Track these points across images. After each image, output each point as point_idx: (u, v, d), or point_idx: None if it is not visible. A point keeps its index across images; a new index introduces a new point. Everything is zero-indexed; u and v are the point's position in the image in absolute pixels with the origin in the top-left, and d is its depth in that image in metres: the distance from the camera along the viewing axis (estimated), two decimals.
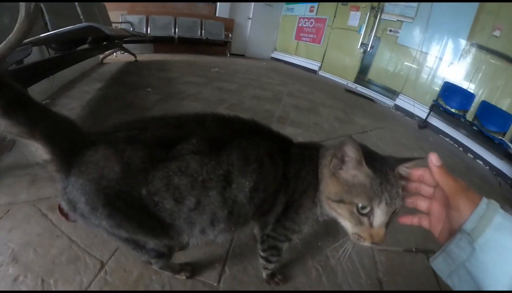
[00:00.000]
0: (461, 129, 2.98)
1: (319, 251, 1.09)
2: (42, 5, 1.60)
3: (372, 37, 4.28)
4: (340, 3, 4.81)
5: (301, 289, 0.92)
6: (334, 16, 4.93)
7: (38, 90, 1.76)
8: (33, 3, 0.93)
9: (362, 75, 4.70)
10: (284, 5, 6.00)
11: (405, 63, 3.92)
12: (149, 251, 0.62)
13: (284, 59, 6.24)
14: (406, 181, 0.50)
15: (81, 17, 2.05)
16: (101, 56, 3.46)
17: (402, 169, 0.50)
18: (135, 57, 3.88)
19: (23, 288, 0.77)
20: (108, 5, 3.28)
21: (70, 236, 0.95)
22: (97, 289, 0.79)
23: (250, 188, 0.53)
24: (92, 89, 2.24)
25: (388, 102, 4.19)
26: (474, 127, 2.81)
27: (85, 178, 0.45)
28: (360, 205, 0.51)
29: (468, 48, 3.19)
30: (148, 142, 0.48)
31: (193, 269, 0.87)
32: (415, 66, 3.78)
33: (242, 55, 6.39)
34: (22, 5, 0.91)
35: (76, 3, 2.06)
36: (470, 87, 3.16)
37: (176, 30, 4.98)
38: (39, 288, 0.77)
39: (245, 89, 3.25)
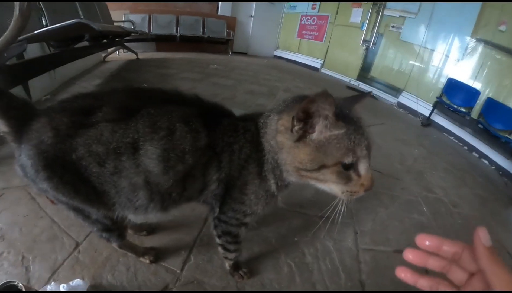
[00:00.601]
0: (466, 127, 2.88)
1: (294, 247, 1.03)
2: (42, 5, 1.70)
3: (375, 34, 4.21)
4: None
5: (268, 286, 0.87)
6: (336, 13, 4.89)
7: (39, 86, 1.87)
8: (26, 4, 0.99)
9: (364, 73, 4.63)
10: (286, 2, 5.98)
11: (408, 60, 3.83)
12: (94, 222, 0.66)
13: (287, 57, 6.23)
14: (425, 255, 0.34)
15: (82, 16, 2.14)
16: (103, 54, 3.59)
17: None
18: (137, 55, 3.99)
19: (5, 264, 0.83)
20: (110, 4, 3.40)
21: (53, 217, 1.01)
22: (69, 266, 0.84)
23: (159, 155, 0.51)
24: (91, 86, 2.34)
25: (391, 99, 4.11)
26: (479, 125, 2.72)
27: (30, 144, 0.50)
28: (346, 162, 0.49)
29: (473, 44, 3.09)
30: (73, 111, 0.52)
31: (157, 254, 0.89)
32: (419, 63, 3.69)
33: (245, 54, 6.42)
34: (17, 4, 0.98)
35: (77, 3, 2.16)
36: (475, 84, 3.07)
37: (178, 28, 5.06)
38: (19, 264, 0.84)
39: (241, 84, 3.29)
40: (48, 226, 0.98)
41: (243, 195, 0.61)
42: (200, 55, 5.14)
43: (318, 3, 5.19)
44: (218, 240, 0.76)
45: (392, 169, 1.75)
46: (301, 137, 0.50)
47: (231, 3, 5.71)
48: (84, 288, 0.75)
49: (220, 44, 5.75)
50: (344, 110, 0.52)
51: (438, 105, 3.16)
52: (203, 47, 5.50)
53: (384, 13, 4.07)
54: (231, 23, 5.74)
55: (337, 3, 4.86)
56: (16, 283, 0.60)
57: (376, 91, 4.31)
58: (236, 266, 0.85)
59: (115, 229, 0.71)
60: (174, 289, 0.82)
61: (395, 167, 1.81)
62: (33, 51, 1.67)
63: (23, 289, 0.59)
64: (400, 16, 3.89)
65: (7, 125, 0.52)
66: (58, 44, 1.68)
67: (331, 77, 5.07)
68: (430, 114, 3.28)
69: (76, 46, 1.90)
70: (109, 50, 3.72)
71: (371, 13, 4.24)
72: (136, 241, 0.93)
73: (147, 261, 0.86)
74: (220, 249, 0.79)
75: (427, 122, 3.31)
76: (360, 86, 4.56)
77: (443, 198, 1.57)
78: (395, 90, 4.07)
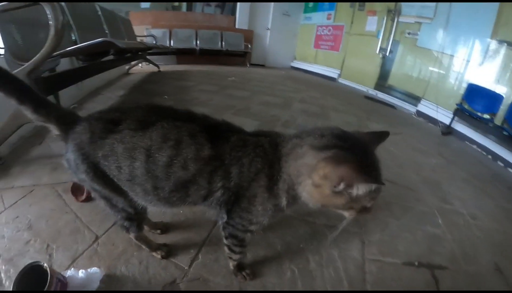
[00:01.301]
0: (489, 134, 2.73)
1: (299, 253, 1.04)
2: (72, 23, 1.90)
3: (391, 41, 4.18)
4: (357, 9, 4.78)
5: (270, 289, 0.89)
6: (351, 22, 4.92)
7: (68, 96, 2.06)
8: (61, 24, 1.14)
9: (382, 81, 4.57)
10: (302, 14, 6.11)
11: (426, 66, 3.74)
12: (120, 210, 0.74)
13: (304, 68, 6.30)
14: None
15: (107, 32, 2.35)
16: (127, 67, 3.86)
17: None
18: (158, 68, 4.24)
19: (31, 250, 0.92)
20: (133, 20, 3.67)
21: (76, 213, 1.10)
22: (88, 256, 0.91)
23: (165, 162, 0.58)
24: (115, 96, 2.52)
25: (410, 108, 3.99)
26: (504, 132, 2.57)
27: (73, 143, 0.63)
28: (368, 206, 0.59)
29: (494, 45, 2.95)
30: (106, 120, 0.62)
31: (169, 251, 0.94)
32: (437, 69, 3.58)
33: (262, 65, 6.58)
34: (52, 25, 1.13)
35: (103, 20, 2.38)
36: (498, 88, 2.92)
37: (197, 42, 5.32)
38: (43, 251, 0.92)
39: (256, 96, 3.37)
40: (72, 220, 1.07)
41: (251, 205, 0.65)
42: (218, 68, 5.34)
43: (333, 14, 5.25)
44: (225, 241, 0.79)
45: (407, 179, 1.69)
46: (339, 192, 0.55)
47: (248, 17, 5.92)
48: (100, 276, 0.81)
49: (238, 57, 5.95)
50: (374, 159, 0.58)
51: (459, 112, 3.02)
52: (222, 60, 5.72)
53: (399, 19, 4.03)
54: (248, 36, 5.95)
55: (352, 12, 4.88)
56: (42, 264, 0.67)
57: (394, 101, 4.22)
58: (239, 267, 0.88)
59: (135, 219, 0.79)
60: (180, 283, 0.85)
61: (410, 177, 1.74)
62: (63, 64, 1.86)
63: (48, 270, 0.66)
64: (415, 22, 3.83)
65: (58, 129, 0.67)
66: (86, 58, 1.86)
67: (348, 87, 5.04)
68: (451, 122, 3.15)
69: (102, 60, 2.08)
70: (132, 63, 3.98)
71: (386, 20, 4.23)
72: (151, 237, 0.99)
73: (159, 256, 0.91)
74: (226, 249, 0.83)
75: (448, 130, 3.16)
76: (378, 95, 4.50)
77: (461, 209, 1.49)
78: (414, 99, 3.96)
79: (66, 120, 0.66)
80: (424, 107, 3.70)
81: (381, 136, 0.65)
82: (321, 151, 0.55)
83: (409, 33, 3.95)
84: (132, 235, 0.87)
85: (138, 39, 3.91)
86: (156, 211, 1.03)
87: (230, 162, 0.61)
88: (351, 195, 0.54)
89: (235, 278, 0.89)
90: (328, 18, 5.38)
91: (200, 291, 0.82)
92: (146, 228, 1.00)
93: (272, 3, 5.97)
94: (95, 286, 0.79)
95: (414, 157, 2.08)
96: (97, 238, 0.99)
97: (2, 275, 0.82)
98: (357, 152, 0.54)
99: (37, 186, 1.26)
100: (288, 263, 0.98)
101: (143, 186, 0.62)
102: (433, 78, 3.65)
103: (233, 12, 5.98)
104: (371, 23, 4.52)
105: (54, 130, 0.68)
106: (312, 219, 1.22)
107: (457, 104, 3.10)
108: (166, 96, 2.76)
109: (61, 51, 1.29)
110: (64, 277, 0.73)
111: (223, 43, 5.61)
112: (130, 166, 0.60)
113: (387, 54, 4.27)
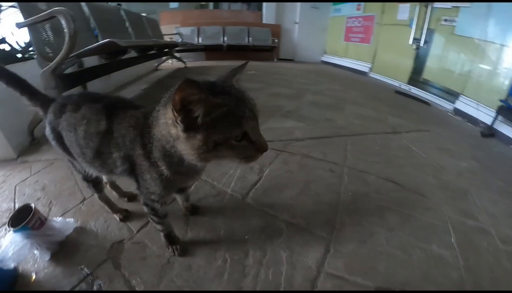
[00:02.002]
0: None
1: (241, 244, 0.98)
2: (96, 26, 2.26)
3: (425, 31, 3.77)
4: None
5: (194, 271, 0.88)
6: (382, 12, 4.57)
7: (96, 88, 2.44)
8: (73, 30, 1.42)
9: (416, 75, 4.17)
10: (331, 6, 5.87)
11: (466, 57, 3.29)
12: (78, 171, 0.96)
13: (334, 62, 6.08)
14: None
15: (131, 32, 2.70)
16: (155, 63, 4.29)
17: None
18: (185, 64, 4.59)
19: (39, 204, 1.22)
20: (163, 19, 4.05)
21: (77, 180, 1.38)
22: (73, 211, 1.17)
23: (82, 135, 0.74)
24: (138, 89, 2.89)
25: (447, 105, 3.56)
26: None
27: (48, 119, 0.83)
28: (236, 136, 0.54)
29: None
30: (61, 104, 0.82)
31: (126, 215, 1.12)
32: (479, 60, 3.11)
33: (291, 60, 6.53)
34: (66, 32, 1.42)
35: (127, 22, 2.75)
36: None
37: (225, 38, 5.55)
38: (47, 205, 1.22)
39: (269, 87, 3.38)
40: (72, 186, 1.36)
41: (142, 174, 0.72)
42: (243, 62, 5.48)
43: (363, 4, 4.95)
44: (144, 207, 0.86)
45: (419, 183, 1.40)
46: (188, 126, 0.53)
47: (275, 12, 5.93)
48: (74, 226, 1.06)
49: (265, 52, 6.02)
50: (225, 85, 0.57)
51: (503, 110, 2.56)
52: (249, 55, 5.83)
53: (434, 5, 3.61)
54: (275, 30, 5.98)
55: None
56: (31, 204, 0.94)
57: (429, 97, 3.83)
58: (170, 241, 0.94)
59: (91, 181, 0.99)
60: (125, 243, 1.02)
61: (424, 180, 1.44)
62: (92, 62, 2.24)
63: (33, 208, 0.92)
64: (452, 6, 3.37)
65: (42, 110, 0.87)
66: (108, 56, 2.21)
67: (379, 81, 4.73)
68: (493, 122, 2.73)
69: (123, 57, 2.42)
70: (163, 58, 4.40)
71: (419, 7, 3.82)
72: (120, 204, 1.18)
73: (118, 218, 1.11)
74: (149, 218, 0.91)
75: (489, 132, 2.66)
76: (411, 91, 4.15)
77: (488, 228, 1.13)
78: (452, 95, 3.51)
79: (46, 104, 0.87)
80: (463, 104, 3.28)
81: (239, 68, 0.64)
82: (166, 104, 0.59)
83: (445, 20, 3.51)
84: (96, 195, 1.09)
85: (167, 37, 4.31)
86: (126, 183, 1.26)
87: (116, 134, 0.70)
88: (200, 123, 0.52)
89: (166, 250, 0.95)
90: (358, 9, 5.10)
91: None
92: (115, 194, 1.22)
93: None
94: (68, 232, 1.03)
95: (438, 157, 1.75)
96: (84, 199, 1.25)
97: None
98: (205, 84, 0.56)
99: (57, 159, 1.60)
100: (224, 250, 0.95)
101: (76, 151, 0.80)
102: (474, 71, 3.18)
103: (259, 7, 6.05)
104: (403, 11, 4.15)
105: (40, 112, 0.89)
106: (273, 211, 1.14)
107: (501, 101, 2.64)
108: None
109: (76, 52, 1.60)
110: (45, 218, 0.98)
111: (250, 38, 5.74)
112: (68, 136, 0.79)
113: (422, 45, 3.89)
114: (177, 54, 4.52)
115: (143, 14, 3.75)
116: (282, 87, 3.43)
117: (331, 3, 5.94)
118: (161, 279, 0.86)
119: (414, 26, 3.96)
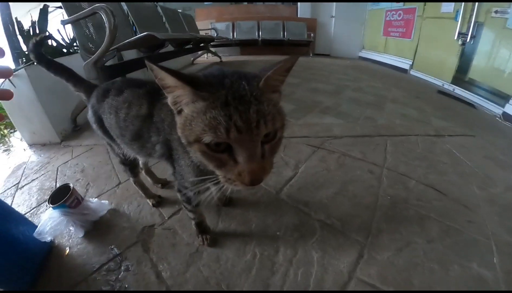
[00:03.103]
0: None
1: (272, 240, 0.96)
2: (134, 22, 2.39)
3: (472, 24, 3.38)
4: None
5: (222, 262, 0.88)
6: (425, 4, 4.18)
7: None
8: (113, 24, 1.52)
9: (461, 74, 3.80)
10: None
11: None
12: (117, 155, 1.01)
13: (372, 58, 5.73)
14: None
15: (167, 27, 2.81)
16: (192, 58, 4.42)
17: None
18: (220, 58, 4.67)
19: (78, 185, 1.33)
20: (199, 16, 4.15)
21: (114, 165, 1.49)
22: (108, 194, 1.27)
23: (123, 118, 0.76)
24: None
25: (495, 109, 3.20)
26: None
27: (91, 103, 0.89)
28: (205, 141, 0.43)
29: None
30: (104, 89, 0.86)
31: (160, 201, 1.16)
32: None
33: (327, 55, 6.31)
34: (107, 27, 1.52)
35: (164, 18, 2.85)
36: None
37: (260, 33, 5.52)
38: (84, 186, 1.32)
39: (306, 83, 3.28)
40: (109, 170, 1.46)
41: (177, 159, 0.71)
42: (279, 58, 5.38)
43: None
44: (178, 195, 0.86)
45: (464, 193, 1.27)
46: (180, 110, 0.48)
47: (310, 5, 5.76)
48: (108, 208, 1.14)
49: (301, 47, 5.87)
50: (228, 79, 0.45)
51: None
52: (284, 50, 5.75)
53: None
54: (311, 24, 5.81)
55: None
56: (69, 184, 1.03)
57: (475, 98, 3.47)
58: (201, 230, 0.96)
59: (127, 164, 1.04)
60: (156, 228, 1.06)
61: (470, 190, 1.30)
62: (131, 55, 2.37)
63: (71, 188, 1.01)
64: None
65: (85, 95, 0.95)
66: (146, 50, 2.32)
67: (420, 79, 4.37)
68: None
69: (160, 51, 2.53)
70: (199, 53, 4.52)
71: None
72: (153, 190, 1.24)
73: (150, 204, 1.16)
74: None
75: None
76: (455, 91, 3.80)
77: None
78: (501, 97, 3.15)
79: (89, 90, 0.93)
80: None
81: (280, 63, 0.48)
82: None
83: (496, 12, 3.11)
84: (131, 179, 1.15)
85: (203, 32, 4.41)
86: (161, 170, 1.32)
87: (156, 118, 0.71)
88: (184, 111, 0.47)
89: (197, 239, 0.97)
90: (398, 1, 4.74)
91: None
92: (150, 180, 1.28)
93: None
94: (102, 213, 1.11)
95: (485, 167, 1.58)
96: (119, 183, 1.34)
97: None
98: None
99: (96, 145, 1.73)
100: (254, 245, 0.94)
101: (115, 132, 0.84)
102: None
103: (294, 1, 5.91)
104: (448, 3, 3.75)
105: (83, 97, 0.96)
106: (307, 210, 1.11)
107: None
108: None
109: (115, 46, 1.71)
110: (82, 198, 1.06)
111: (285, 33, 5.63)
112: (109, 118, 0.83)
113: (468, 40, 3.51)
114: (212, 49, 4.60)
115: (179, 11, 3.88)
116: (320, 83, 3.32)
117: None
118: (188, 267, 0.88)
119: (460, 19, 3.57)
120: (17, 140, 2.06)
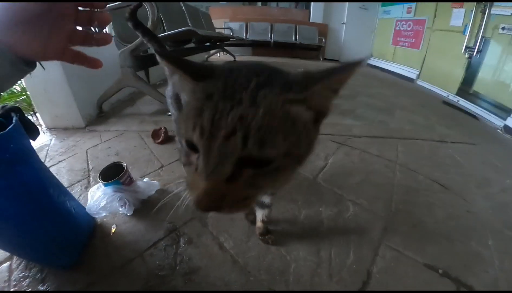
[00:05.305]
0: None
1: (317, 214, 1.10)
2: (161, 16, 2.49)
3: (480, 39, 3.53)
4: None
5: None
6: (434, 16, 4.33)
7: (155, 74, 2.75)
8: (156, 16, 1.63)
9: (466, 87, 3.95)
10: (380, 7, 5.68)
11: None
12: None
13: (380, 66, 5.88)
14: None
15: (189, 23, 2.92)
16: (206, 55, 4.52)
17: None
18: (234, 57, 4.77)
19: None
20: (213, 14, 4.26)
21: (152, 150, 1.59)
22: (152, 175, 1.37)
23: None
24: None
25: (496, 122, 3.34)
26: None
27: (173, 80, 0.90)
28: (186, 137, 0.35)
29: None
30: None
31: None
32: None
33: (337, 60, 6.44)
34: (150, 18, 1.63)
35: (187, 14, 2.97)
36: None
37: (272, 35, 5.65)
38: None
39: None
40: (147, 154, 1.56)
41: None
42: (291, 60, 5.55)
43: (413, 7, 4.74)
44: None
45: (465, 190, 1.45)
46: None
47: (322, 11, 5.90)
48: (157, 187, 1.21)
49: (311, 51, 6.03)
50: (233, 78, 0.35)
51: None
52: (295, 53, 5.93)
53: (491, 11, 3.36)
54: (322, 30, 5.96)
55: (435, 4, 4.30)
56: (122, 163, 1.11)
57: (478, 110, 3.61)
58: (267, 229, 0.96)
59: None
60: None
61: (469, 188, 1.48)
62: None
63: (125, 166, 1.09)
64: None
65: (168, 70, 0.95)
66: (173, 45, 2.44)
67: (426, 89, 4.51)
68: None
69: (185, 47, 2.64)
70: (212, 52, 4.63)
71: (474, 13, 3.58)
72: None
73: None
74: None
75: None
76: (459, 102, 3.94)
77: None
78: (504, 111, 3.30)
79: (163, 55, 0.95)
80: None
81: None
82: None
83: (503, 29, 3.26)
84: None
85: (217, 31, 4.52)
86: None
87: None
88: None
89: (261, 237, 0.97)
90: (408, 12, 4.87)
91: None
92: None
93: None
94: (151, 193, 1.18)
95: (482, 171, 1.74)
96: (162, 166, 1.44)
97: (91, 178, 1.32)
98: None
99: (127, 131, 1.84)
100: (303, 217, 1.09)
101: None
102: None
103: (307, 6, 6.05)
104: (457, 17, 3.89)
105: (167, 70, 0.86)
106: (341, 192, 1.29)
107: None
108: None
109: None
110: (133, 178, 1.15)
111: (297, 36, 5.77)
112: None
113: (475, 54, 3.67)
114: (226, 48, 4.71)
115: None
116: None
117: (380, 4, 5.76)
118: (249, 238, 0.97)
119: (468, 34, 3.73)
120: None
